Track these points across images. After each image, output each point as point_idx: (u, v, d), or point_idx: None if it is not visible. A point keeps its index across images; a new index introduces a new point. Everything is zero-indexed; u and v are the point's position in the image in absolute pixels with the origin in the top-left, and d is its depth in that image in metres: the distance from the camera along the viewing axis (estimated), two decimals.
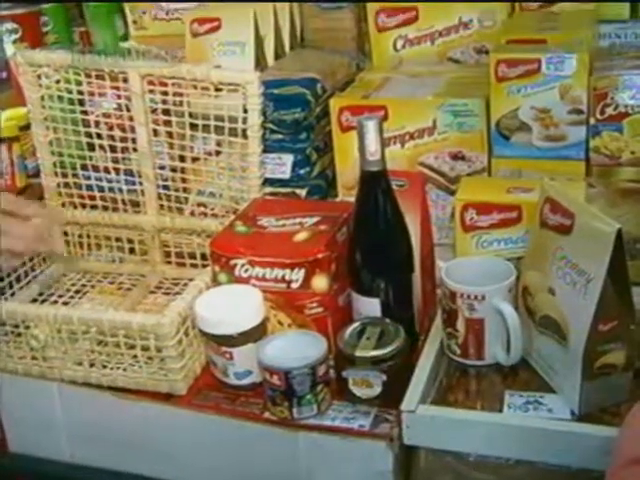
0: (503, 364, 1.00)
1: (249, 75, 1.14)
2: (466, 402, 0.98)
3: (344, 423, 0.97)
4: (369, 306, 1.02)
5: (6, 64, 1.66)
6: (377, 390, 0.97)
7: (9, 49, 1.61)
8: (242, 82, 1.14)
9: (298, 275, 1.03)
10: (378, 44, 1.53)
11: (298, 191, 1.41)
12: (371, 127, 0.97)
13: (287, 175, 1.42)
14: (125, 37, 1.70)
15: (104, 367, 1.06)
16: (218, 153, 1.23)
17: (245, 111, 1.16)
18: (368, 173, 0.99)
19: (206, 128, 1.20)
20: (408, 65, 1.50)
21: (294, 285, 1.03)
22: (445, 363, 1.04)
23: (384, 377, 0.96)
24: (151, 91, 1.20)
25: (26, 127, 1.44)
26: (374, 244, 1.01)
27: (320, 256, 1.03)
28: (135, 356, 1.03)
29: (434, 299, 1.11)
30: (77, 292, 1.28)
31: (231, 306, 1.02)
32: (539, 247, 0.97)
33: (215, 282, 1.08)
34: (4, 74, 1.73)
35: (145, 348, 1.02)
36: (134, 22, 1.69)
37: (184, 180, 1.26)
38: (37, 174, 1.45)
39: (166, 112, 1.22)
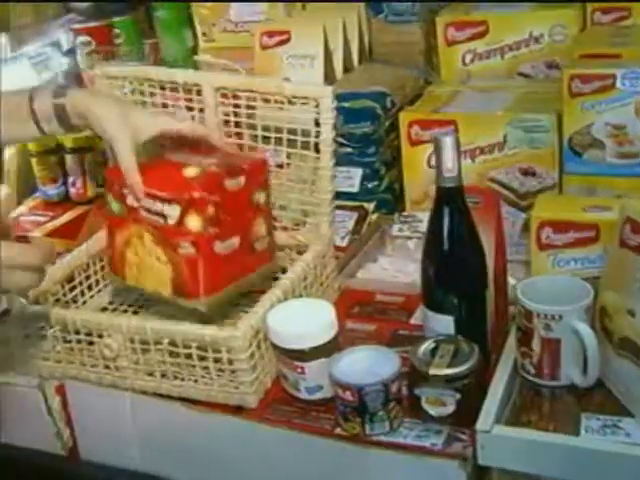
0: (579, 385, 0.99)
1: (323, 89, 1.15)
2: (540, 423, 0.96)
3: (416, 441, 0.96)
4: (442, 323, 1.01)
5: (78, 76, 1.70)
6: (450, 409, 0.96)
7: (82, 61, 1.64)
8: (316, 96, 1.14)
9: (174, 211, 1.02)
10: (447, 58, 1.53)
11: (366, 205, 1.42)
12: (449, 143, 0.96)
13: (355, 189, 1.42)
14: (194, 49, 1.72)
15: (175, 378, 1.07)
16: (287, 165, 1.23)
17: (317, 124, 1.16)
18: (444, 189, 0.99)
19: (276, 140, 1.20)
20: (477, 79, 1.50)
21: (170, 221, 1.02)
22: (518, 383, 1.02)
23: (458, 396, 0.95)
24: (223, 103, 1.21)
25: (98, 137, 1.46)
26: (449, 261, 1.00)
27: (196, 196, 1.01)
28: (206, 368, 1.04)
29: (506, 317, 1.10)
30: (147, 300, 1.29)
31: (303, 320, 1.02)
32: (618, 267, 0.96)
33: (108, 210, 1.10)
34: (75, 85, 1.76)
35: (217, 360, 1.02)
36: (203, 34, 1.71)
37: None
38: None
39: (237, 124, 1.23)
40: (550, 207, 1.15)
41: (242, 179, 1.07)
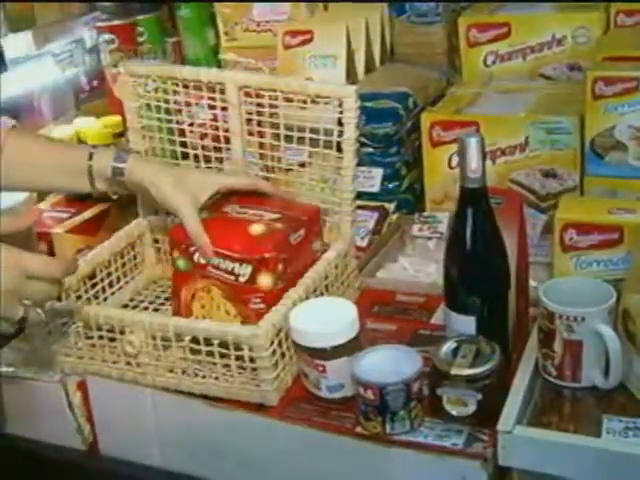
0: (601, 387, 0.99)
1: (347, 89, 1.15)
2: (561, 424, 0.96)
3: (437, 441, 0.96)
4: (464, 324, 1.01)
5: (100, 73, 1.71)
6: (471, 409, 0.96)
7: (105, 59, 1.65)
8: (340, 96, 1.14)
9: (245, 270, 1.06)
10: (469, 59, 1.53)
11: (387, 205, 1.42)
12: (473, 144, 0.96)
13: (376, 189, 1.43)
14: (216, 48, 1.72)
15: (196, 375, 1.07)
16: (303, 164, 1.23)
17: (340, 124, 1.16)
18: (468, 190, 0.99)
19: (299, 140, 1.21)
20: (499, 81, 1.50)
21: (241, 279, 1.07)
22: (539, 384, 1.02)
23: (479, 396, 0.95)
24: (246, 102, 1.22)
25: (119, 135, 1.48)
26: (472, 261, 1.00)
27: (267, 256, 1.06)
28: (228, 365, 1.04)
29: (527, 318, 1.10)
30: (167, 299, 1.29)
31: (325, 319, 1.02)
32: None
33: (174, 267, 1.14)
34: (95, 82, 1.77)
35: (239, 358, 1.03)
36: (225, 33, 1.72)
37: None
38: None
39: (259, 123, 1.23)
40: (574, 209, 1.14)
41: (302, 231, 1.12)
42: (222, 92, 1.21)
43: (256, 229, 1.10)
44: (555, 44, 1.47)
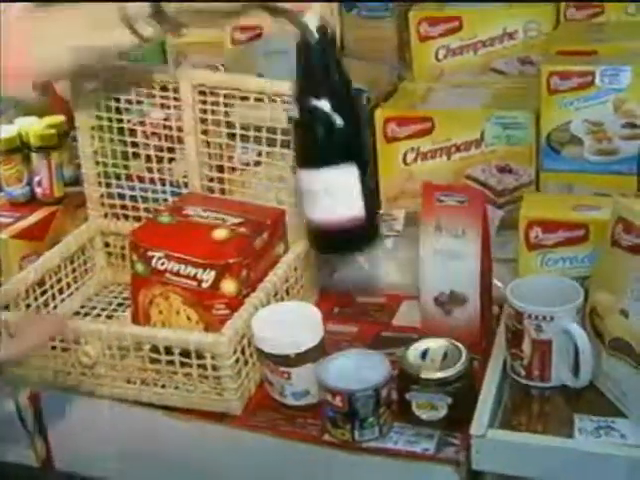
0: (570, 387, 0.98)
1: None
2: (532, 426, 0.95)
3: (407, 446, 0.94)
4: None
5: None
6: (442, 413, 0.94)
7: None
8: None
9: (209, 276, 1.03)
10: (420, 54, 1.51)
11: None
12: None
13: None
14: (163, 45, 1.68)
15: (156, 385, 1.04)
16: (259, 163, 1.21)
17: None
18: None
19: (255, 138, 1.18)
20: (450, 75, 1.49)
21: (204, 285, 1.04)
22: (508, 384, 1.01)
23: (449, 400, 0.93)
24: (200, 100, 1.18)
25: (64, 135, 1.43)
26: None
27: (231, 261, 1.04)
28: (189, 374, 1.01)
29: (491, 317, 1.09)
30: (120, 305, 1.26)
31: (289, 325, 1.00)
32: (610, 267, 0.95)
33: (133, 270, 1.10)
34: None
35: (200, 366, 1.00)
36: None
37: (226, 191, 1.24)
38: (73, 183, 1.43)
39: (214, 122, 1.20)
40: (539, 207, 1.13)
41: (266, 235, 1.10)
42: (175, 91, 1.18)
43: (219, 234, 1.07)
44: (506, 38, 1.46)
